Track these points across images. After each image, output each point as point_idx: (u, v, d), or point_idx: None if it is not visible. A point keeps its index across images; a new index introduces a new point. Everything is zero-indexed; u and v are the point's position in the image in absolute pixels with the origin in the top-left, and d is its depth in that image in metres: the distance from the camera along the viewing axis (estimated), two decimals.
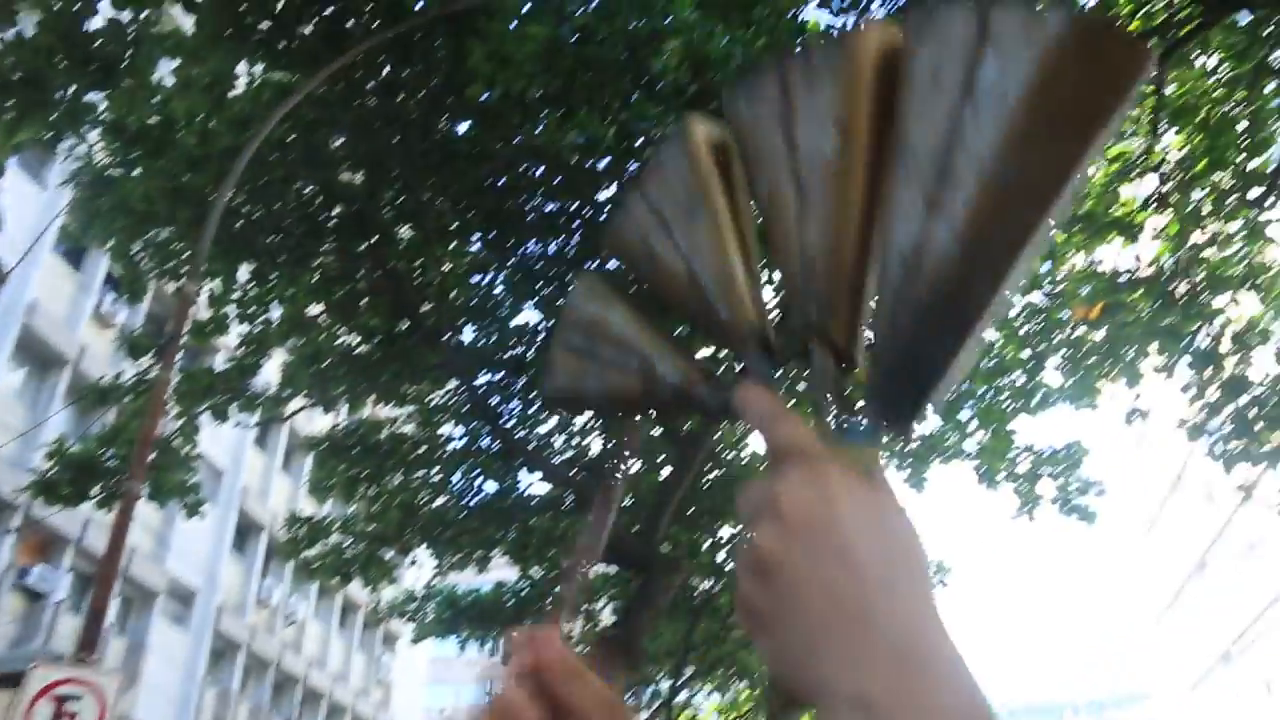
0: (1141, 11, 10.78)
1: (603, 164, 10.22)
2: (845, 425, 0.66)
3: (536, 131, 9.47)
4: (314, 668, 31.41)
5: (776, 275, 0.77)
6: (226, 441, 24.39)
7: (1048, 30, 0.60)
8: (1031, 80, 0.60)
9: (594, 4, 9.71)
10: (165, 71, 10.63)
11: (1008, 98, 0.61)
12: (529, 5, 9.53)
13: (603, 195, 10.81)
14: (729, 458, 15.47)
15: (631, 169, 10.11)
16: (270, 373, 14.06)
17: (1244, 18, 10.29)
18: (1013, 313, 12.54)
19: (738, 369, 0.79)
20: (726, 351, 0.86)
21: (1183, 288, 11.53)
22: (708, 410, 0.79)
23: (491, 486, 15.59)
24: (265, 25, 9.90)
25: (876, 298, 0.67)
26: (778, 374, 0.74)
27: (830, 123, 0.71)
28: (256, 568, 29.01)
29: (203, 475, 14.88)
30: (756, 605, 0.59)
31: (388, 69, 10.29)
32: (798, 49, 0.74)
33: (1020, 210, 0.61)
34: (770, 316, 0.79)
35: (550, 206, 11.06)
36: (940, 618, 0.56)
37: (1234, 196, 11.26)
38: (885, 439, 0.65)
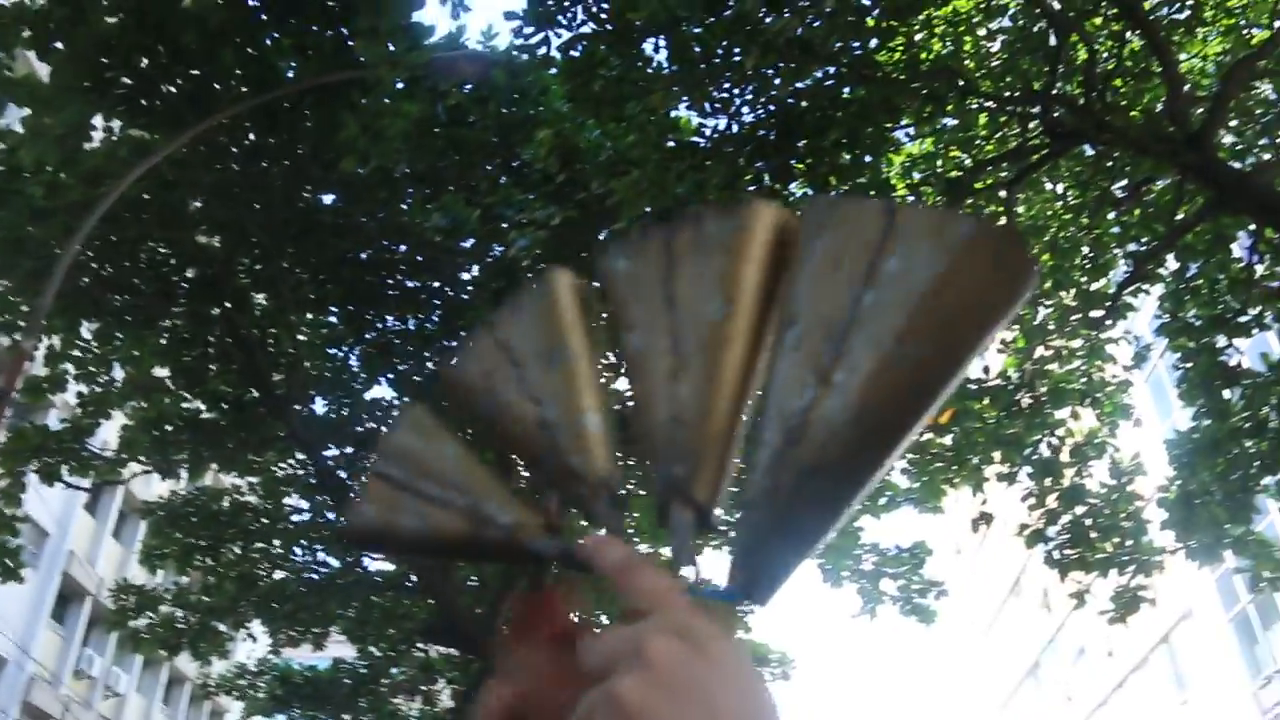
0: (997, 136, 11.36)
1: (466, 244, 10.20)
2: (703, 585, 0.66)
3: (402, 208, 9.42)
4: None
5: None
6: (54, 503, 23.19)
7: (954, 231, 0.65)
8: (936, 274, 0.64)
9: (468, 88, 9.74)
10: (14, 118, 10.26)
11: (912, 288, 0.64)
12: (403, 84, 9.51)
13: (465, 275, 10.77)
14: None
15: (495, 252, 10.12)
16: (108, 434, 13.50)
17: (1090, 150, 10.93)
18: None
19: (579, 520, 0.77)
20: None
21: (1027, 399, 12.01)
22: (542, 558, 0.75)
23: (334, 562, 15.21)
24: (127, 80, 9.65)
25: (753, 461, 0.68)
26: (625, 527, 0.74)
27: (716, 288, 0.73)
28: (77, 637, 27.46)
29: (25, 538, 14.12)
30: None
31: (253, 135, 10.11)
32: (688, 214, 0.77)
33: (913, 391, 0.64)
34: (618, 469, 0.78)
35: (411, 284, 10.97)
36: None
37: (1077, 315, 11.84)
38: (743, 603, 0.66)
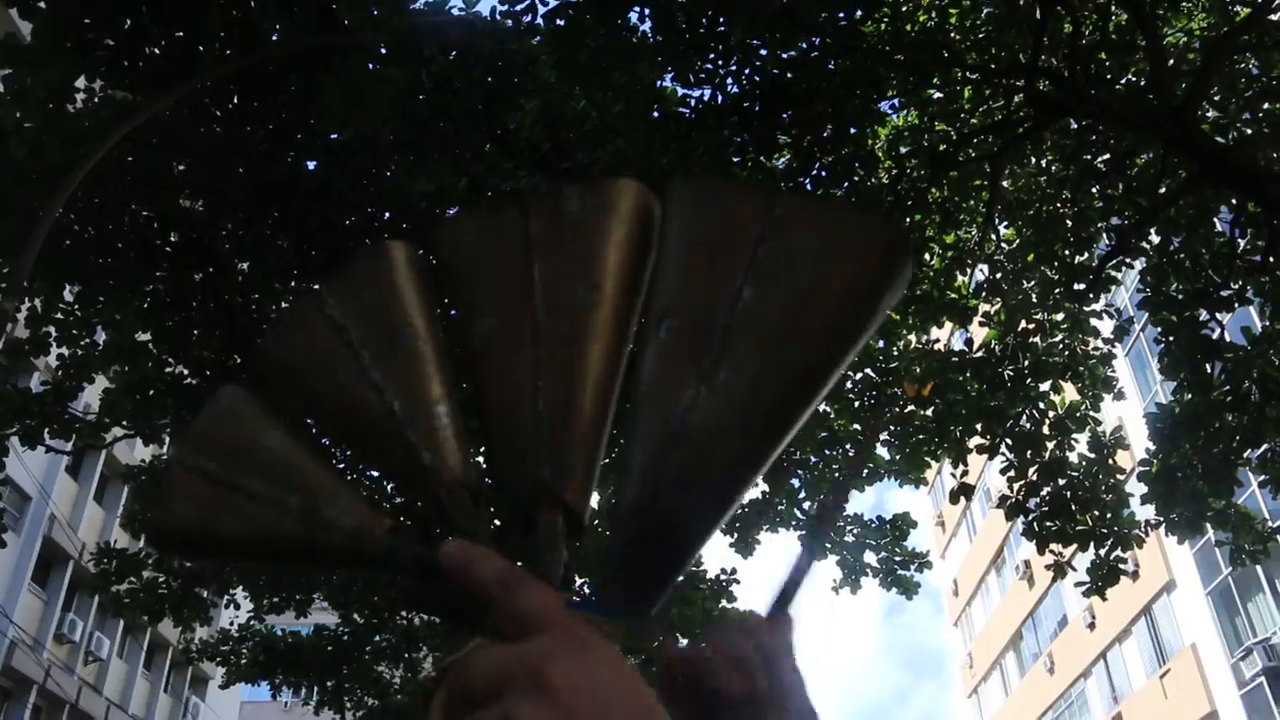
0: (981, 109, 11.36)
1: (451, 212, 10.17)
2: (579, 599, 0.60)
3: (386, 175, 9.38)
4: (115, 709, 29.83)
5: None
6: (36, 466, 23.13)
7: (836, 224, 0.62)
8: (819, 270, 0.61)
9: (453, 54, 9.69)
10: None
11: (794, 284, 0.61)
12: (386, 49, 9.45)
13: None
14: None
15: None
16: (90, 398, 13.45)
17: (1074, 123, 10.95)
18: (846, 385, 12.92)
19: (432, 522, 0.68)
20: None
21: (1009, 372, 12.06)
22: (392, 566, 0.67)
23: None
24: (110, 41, 9.57)
25: (628, 464, 0.63)
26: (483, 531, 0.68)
27: (580, 273, 0.68)
28: (59, 601, 27.46)
29: (6, 501, 14.10)
30: None
31: (236, 98, 10.05)
32: (545, 190, 0.71)
33: (797, 389, 0.61)
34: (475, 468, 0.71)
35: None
36: None
37: (1059, 289, 11.88)
38: (623, 617, 0.61)
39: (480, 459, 0.74)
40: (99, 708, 28.95)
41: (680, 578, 0.62)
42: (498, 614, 0.57)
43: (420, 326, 0.71)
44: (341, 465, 0.71)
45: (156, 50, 9.69)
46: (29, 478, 23.51)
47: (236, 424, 0.72)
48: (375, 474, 0.71)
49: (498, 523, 0.71)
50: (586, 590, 0.64)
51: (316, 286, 0.75)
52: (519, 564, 0.59)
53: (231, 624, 21.84)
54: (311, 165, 10.66)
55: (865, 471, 12.80)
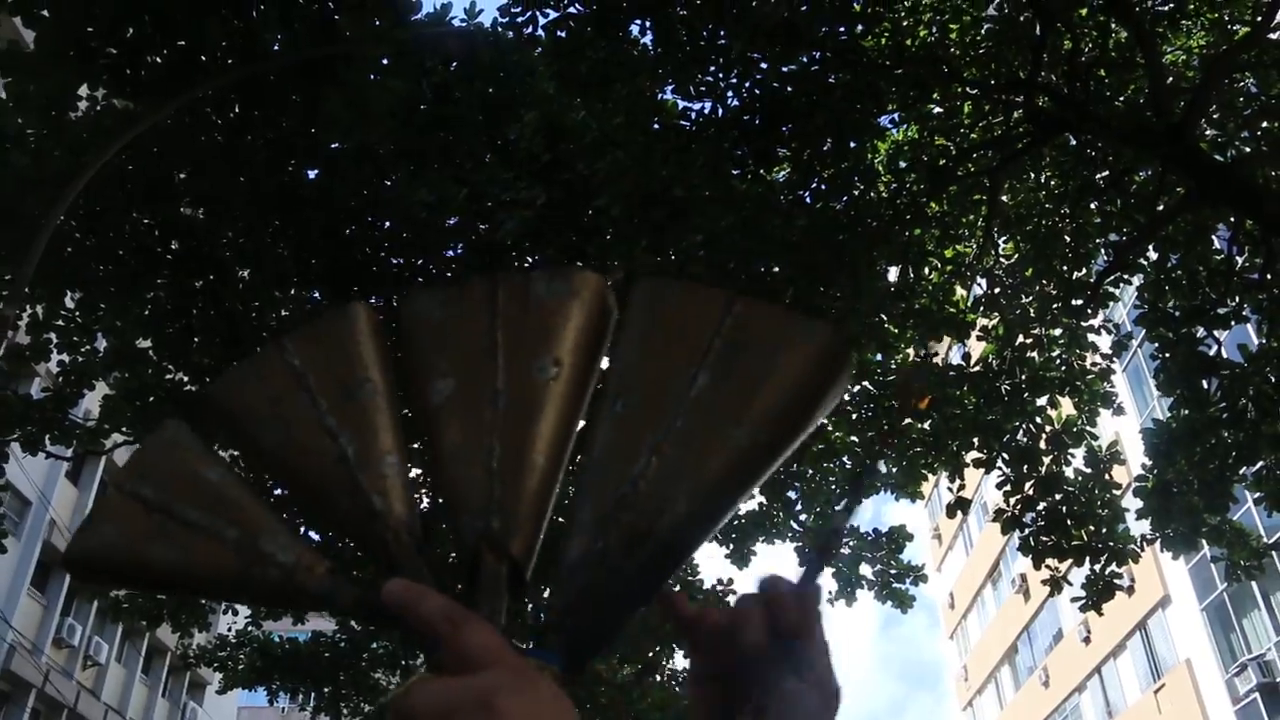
0: (981, 124, 11.39)
1: (451, 222, 10.21)
2: (520, 645, 0.61)
3: (386, 185, 9.41)
4: (113, 714, 29.82)
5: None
6: (36, 472, 23.15)
7: (788, 328, 0.67)
8: (768, 365, 0.66)
9: (454, 65, 9.73)
10: None
11: (745, 376, 0.66)
12: (388, 59, 9.49)
13: (449, 254, 10.77)
14: None
15: (481, 229, 10.13)
16: (91, 404, 13.48)
17: (1073, 139, 10.98)
18: (845, 398, 12.93)
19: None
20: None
21: (1006, 386, 12.07)
22: (330, 605, 0.68)
23: (315, 535, 15.20)
24: (112, 50, 9.61)
25: (577, 522, 0.66)
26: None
27: (541, 348, 0.72)
28: (58, 606, 27.46)
29: (7, 506, 14.12)
30: None
31: (238, 107, 10.09)
32: (510, 272, 0.76)
33: (740, 470, 0.66)
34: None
35: (395, 261, 10.97)
36: None
37: (1057, 304, 11.89)
38: (562, 666, 0.62)
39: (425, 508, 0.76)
40: (97, 712, 28.93)
41: (618, 636, 0.65)
42: (444, 650, 0.58)
43: (377, 381, 0.74)
44: (283, 514, 0.72)
45: (158, 59, 9.73)
46: (29, 483, 23.52)
47: (178, 455, 0.73)
48: (319, 528, 0.72)
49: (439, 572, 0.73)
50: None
51: (278, 338, 0.78)
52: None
53: (229, 630, 21.85)
54: (312, 174, 10.70)
55: (876, 476, 12.80)
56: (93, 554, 0.70)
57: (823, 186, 10.11)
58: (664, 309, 0.71)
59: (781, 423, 0.66)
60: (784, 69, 9.41)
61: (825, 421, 13.02)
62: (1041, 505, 12.10)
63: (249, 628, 20.24)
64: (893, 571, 14.12)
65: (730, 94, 9.52)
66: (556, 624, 0.64)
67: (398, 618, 0.62)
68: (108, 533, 0.70)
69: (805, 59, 9.49)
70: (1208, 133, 10.73)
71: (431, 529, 0.74)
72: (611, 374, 0.70)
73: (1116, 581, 11.94)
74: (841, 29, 9.26)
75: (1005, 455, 12.22)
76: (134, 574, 0.71)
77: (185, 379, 12.50)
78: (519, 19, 8.86)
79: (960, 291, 12.67)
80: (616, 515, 0.65)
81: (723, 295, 0.69)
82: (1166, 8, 10.57)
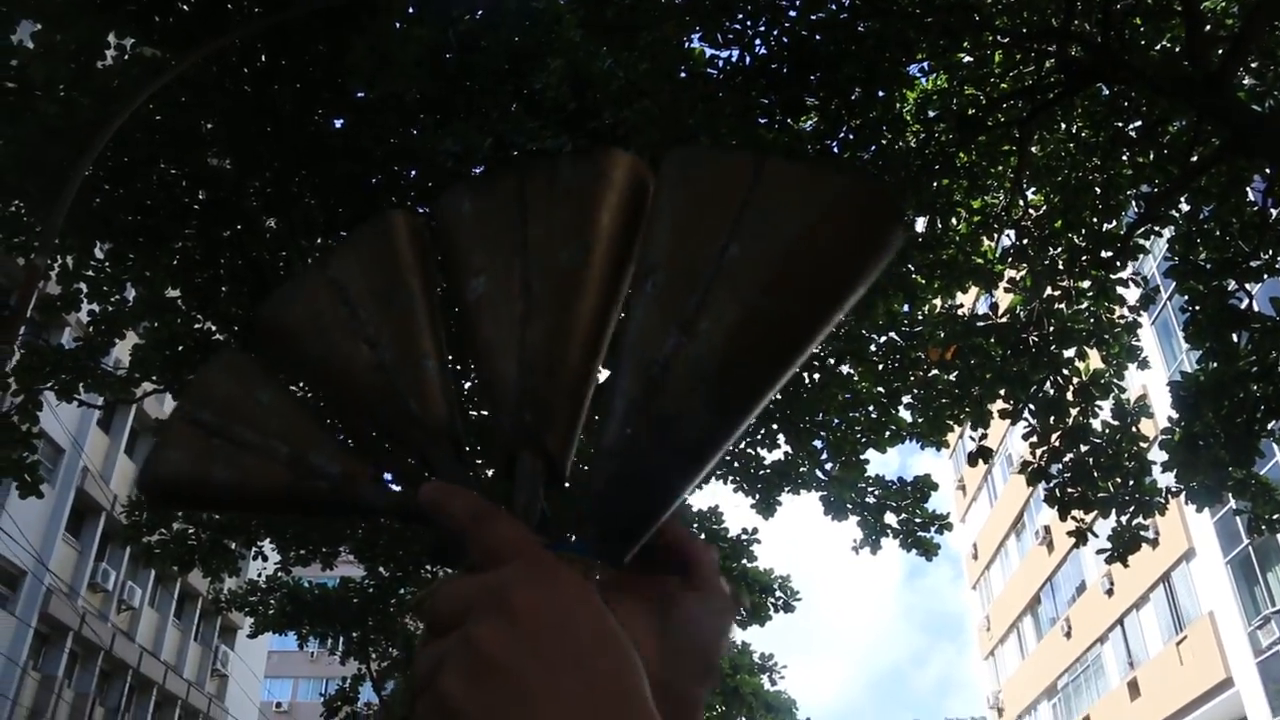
0: (1011, 73, 11.24)
1: (478, 171, 10.18)
2: (554, 539, 0.61)
3: (413, 133, 9.39)
4: (147, 656, 30.40)
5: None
6: (68, 420, 23.45)
7: (822, 187, 0.62)
8: (802, 229, 0.62)
9: (479, 13, 9.66)
10: (25, 33, 10.21)
11: (777, 242, 0.62)
12: (414, 8, 9.44)
13: None
14: None
15: None
16: (121, 353, 13.61)
17: (1105, 89, 10.81)
18: (870, 348, 12.90)
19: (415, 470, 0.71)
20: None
21: (1034, 338, 11.99)
22: (374, 510, 0.71)
23: None
24: None
25: (610, 409, 0.65)
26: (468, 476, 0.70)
27: (572, 235, 0.70)
28: (92, 551, 27.94)
29: (41, 454, 14.32)
30: (463, 708, 0.50)
31: (264, 57, 10.07)
32: (540, 160, 0.74)
33: (777, 345, 0.62)
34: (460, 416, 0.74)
35: (421, 209, 10.98)
36: None
37: (1086, 256, 11.76)
38: (596, 560, 0.62)
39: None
40: (132, 654, 29.52)
41: (655, 526, 0.64)
42: (470, 547, 0.58)
43: (415, 286, 0.75)
44: (331, 424, 0.75)
45: (186, 7, 9.72)
46: (62, 431, 23.85)
47: (233, 380, 0.77)
48: (363, 432, 0.74)
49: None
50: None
51: (322, 254, 0.79)
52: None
53: (259, 575, 22.17)
54: (339, 124, 10.69)
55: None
56: (163, 478, 0.74)
57: (851, 136, 10.03)
58: (692, 178, 0.67)
59: (818, 292, 0.62)
60: (813, 16, 9.31)
61: (849, 370, 13.07)
62: (1068, 457, 12.05)
63: (278, 573, 20.51)
64: (917, 520, 14.15)
65: (758, 42, 9.43)
66: (590, 514, 0.64)
67: (431, 519, 0.62)
68: (173, 458, 0.74)
69: (834, 6, 9.38)
70: (1245, 82, 10.54)
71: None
72: (644, 254, 0.67)
73: (1143, 534, 11.92)
74: None
75: (1031, 406, 12.16)
76: (199, 495, 0.74)
77: (214, 328, 12.59)
78: None
79: (988, 242, 12.56)
80: (648, 398, 0.63)
81: (750, 157, 0.65)
82: None
